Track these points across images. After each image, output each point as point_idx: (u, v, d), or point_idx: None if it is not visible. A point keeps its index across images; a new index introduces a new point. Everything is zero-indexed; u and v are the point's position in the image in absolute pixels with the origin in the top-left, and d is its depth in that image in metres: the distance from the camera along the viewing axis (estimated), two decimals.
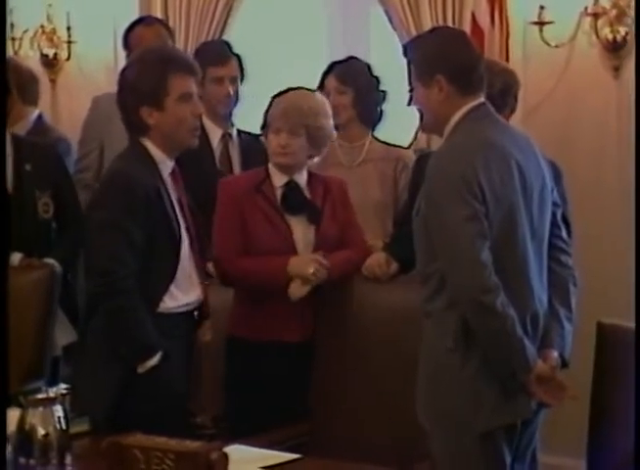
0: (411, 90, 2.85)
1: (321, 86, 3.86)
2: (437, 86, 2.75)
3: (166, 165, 3.01)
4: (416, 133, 4.13)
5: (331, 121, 3.35)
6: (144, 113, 2.94)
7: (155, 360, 2.88)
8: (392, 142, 3.99)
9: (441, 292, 2.69)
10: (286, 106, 3.25)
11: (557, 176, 3.29)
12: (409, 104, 2.88)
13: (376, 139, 3.92)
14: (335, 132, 3.41)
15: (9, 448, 2.18)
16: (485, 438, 2.68)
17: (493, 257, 2.63)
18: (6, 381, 2.32)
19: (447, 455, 2.71)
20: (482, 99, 2.80)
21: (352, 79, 3.84)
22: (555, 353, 2.74)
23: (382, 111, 3.92)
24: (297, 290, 3.18)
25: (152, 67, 2.94)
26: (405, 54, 2.87)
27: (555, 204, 2.86)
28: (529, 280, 2.73)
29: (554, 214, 2.85)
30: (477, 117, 2.75)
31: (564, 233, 2.89)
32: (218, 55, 3.95)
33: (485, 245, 2.62)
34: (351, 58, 4.00)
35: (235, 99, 3.99)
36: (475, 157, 2.66)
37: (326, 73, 3.92)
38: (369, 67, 3.95)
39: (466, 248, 2.60)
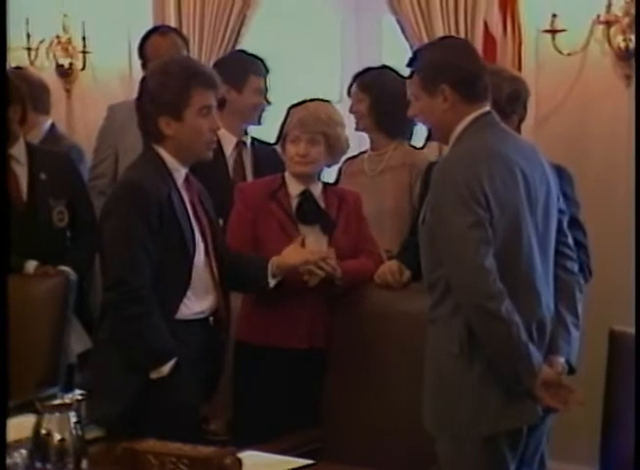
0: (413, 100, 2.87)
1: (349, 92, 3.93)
2: (442, 95, 2.77)
3: (180, 173, 3.03)
4: (426, 141, 4.12)
5: (346, 131, 3.38)
6: (162, 122, 2.97)
7: (168, 367, 2.90)
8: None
9: (446, 298, 2.71)
10: (304, 115, 3.27)
11: (568, 181, 3.31)
12: (410, 114, 2.91)
13: (410, 146, 3.90)
14: (349, 142, 3.43)
15: (24, 454, 2.20)
16: (489, 443, 2.69)
17: (499, 263, 2.64)
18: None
19: (451, 460, 2.73)
20: (488, 108, 2.81)
21: (370, 87, 3.84)
22: (561, 359, 2.76)
23: (411, 121, 3.88)
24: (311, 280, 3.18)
25: (174, 78, 2.95)
26: (409, 65, 2.89)
27: (561, 211, 2.87)
28: (536, 286, 2.74)
29: (560, 222, 2.86)
30: (482, 126, 2.77)
31: (569, 240, 2.90)
32: (260, 67, 3.99)
33: (490, 251, 2.63)
34: (384, 66, 4.01)
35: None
36: (479, 164, 2.68)
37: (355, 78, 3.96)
38: (396, 76, 3.90)
39: (470, 254, 2.62)
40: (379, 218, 3.62)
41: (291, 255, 3.14)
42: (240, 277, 3.15)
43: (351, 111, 3.86)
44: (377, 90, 3.84)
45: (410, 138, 3.92)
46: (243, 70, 3.94)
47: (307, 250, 3.16)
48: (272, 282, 3.14)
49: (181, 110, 2.95)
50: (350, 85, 3.95)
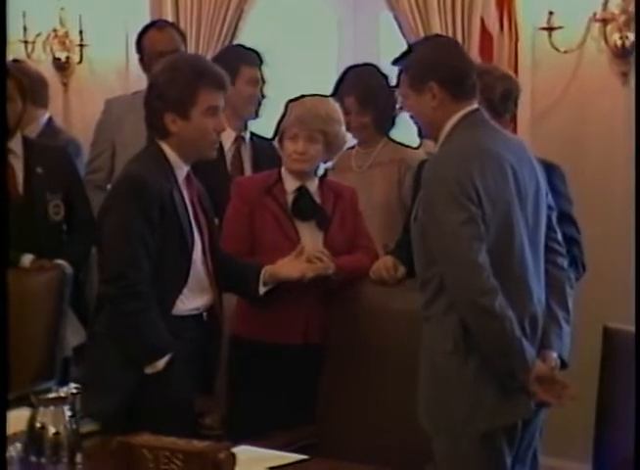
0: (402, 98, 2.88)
1: (337, 95, 3.78)
2: (431, 93, 2.78)
3: (182, 170, 3.04)
4: (420, 139, 4.12)
5: (344, 128, 3.37)
6: (168, 119, 2.97)
7: (163, 362, 2.91)
8: (407, 143, 3.96)
9: (440, 296, 2.72)
10: (303, 112, 3.25)
11: (560, 178, 3.32)
12: (401, 110, 2.92)
13: (392, 141, 3.90)
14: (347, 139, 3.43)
15: (19, 447, 2.20)
16: (486, 439, 2.70)
17: (491, 259, 2.65)
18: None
19: (448, 457, 2.74)
20: (476, 105, 2.82)
21: (373, 101, 3.78)
22: (554, 354, 2.78)
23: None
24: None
25: (184, 76, 2.96)
26: (395, 62, 2.89)
27: (550, 207, 2.89)
28: (528, 282, 2.76)
29: (549, 218, 2.88)
30: (471, 123, 2.78)
31: (559, 236, 2.92)
32: (253, 57, 3.98)
33: (482, 247, 2.65)
34: (367, 64, 3.95)
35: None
36: (470, 161, 2.69)
37: (341, 81, 3.86)
38: (385, 76, 3.86)
39: (463, 251, 2.63)
40: (367, 213, 3.61)
41: (287, 267, 3.15)
42: (231, 281, 3.16)
43: (351, 124, 3.74)
44: (380, 103, 3.77)
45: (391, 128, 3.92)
46: (234, 61, 3.91)
47: (304, 264, 3.15)
48: (262, 290, 3.15)
49: (187, 108, 2.96)
50: (337, 86, 3.86)
